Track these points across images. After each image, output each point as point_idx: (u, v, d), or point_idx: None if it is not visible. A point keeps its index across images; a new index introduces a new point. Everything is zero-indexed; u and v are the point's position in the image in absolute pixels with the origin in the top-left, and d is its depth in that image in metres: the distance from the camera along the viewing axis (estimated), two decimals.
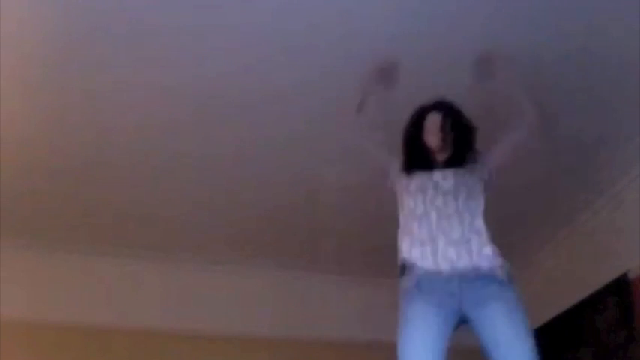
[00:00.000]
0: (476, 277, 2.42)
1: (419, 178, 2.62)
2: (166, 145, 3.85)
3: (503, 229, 4.40)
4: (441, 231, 2.48)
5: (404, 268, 2.51)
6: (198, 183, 4.18)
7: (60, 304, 4.71)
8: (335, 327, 5.00)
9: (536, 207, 4.36)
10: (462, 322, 2.44)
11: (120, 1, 2.94)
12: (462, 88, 3.29)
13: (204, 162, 4.00)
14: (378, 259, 4.73)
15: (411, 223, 2.56)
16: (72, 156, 3.91)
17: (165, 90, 3.45)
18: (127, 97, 3.49)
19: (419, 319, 2.39)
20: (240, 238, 4.78)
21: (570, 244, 4.44)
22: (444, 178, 2.59)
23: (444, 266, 2.43)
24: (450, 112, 2.70)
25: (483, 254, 2.47)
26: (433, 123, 2.66)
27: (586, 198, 4.20)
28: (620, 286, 3.91)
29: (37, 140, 3.78)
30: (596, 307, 4.10)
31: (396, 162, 2.75)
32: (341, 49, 3.21)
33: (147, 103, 3.53)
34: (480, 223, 2.54)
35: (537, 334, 4.80)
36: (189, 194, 4.28)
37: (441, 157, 2.65)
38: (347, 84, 3.35)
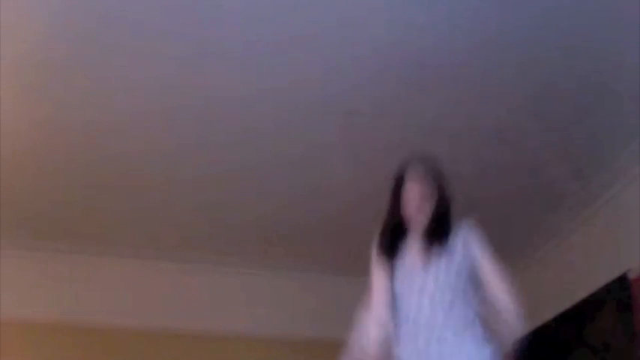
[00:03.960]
0: None
1: (400, 276, 2.55)
2: (167, 146, 3.85)
3: (503, 229, 4.45)
4: (429, 333, 2.43)
5: None
6: (199, 184, 4.18)
7: (60, 304, 4.71)
8: (335, 327, 5.00)
9: (536, 207, 4.36)
10: None
11: (124, 9, 2.95)
12: (464, 82, 3.31)
13: (205, 162, 4.00)
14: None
15: (398, 325, 2.52)
16: (72, 156, 3.91)
17: (167, 88, 3.45)
18: (128, 97, 3.50)
19: None
20: (240, 239, 4.78)
21: (570, 244, 4.44)
22: (425, 278, 2.48)
23: None
24: (428, 170, 2.61)
25: (474, 350, 2.44)
26: (410, 191, 2.57)
27: (586, 198, 4.20)
28: (620, 286, 3.91)
29: (37, 140, 3.78)
30: (596, 307, 4.10)
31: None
32: (357, 70, 3.26)
33: (149, 102, 3.53)
34: (468, 315, 2.46)
35: (537, 334, 4.83)
36: (190, 195, 4.28)
37: (418, 223, 2.56)
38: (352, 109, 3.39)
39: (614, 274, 3.95)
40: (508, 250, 4.63)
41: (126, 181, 4.14)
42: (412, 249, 2.56)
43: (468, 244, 2.55)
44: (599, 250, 4.17)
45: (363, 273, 5.01)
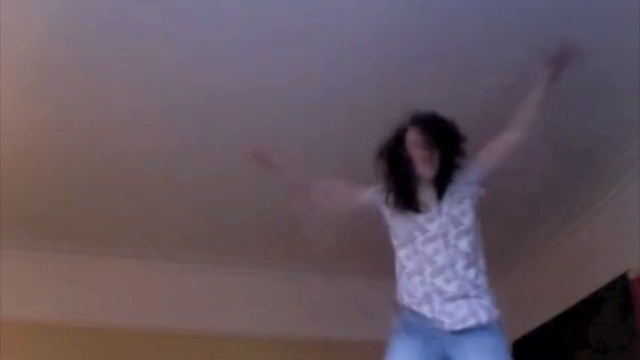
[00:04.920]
0: (468, 329, 2.45)
1: (404, 222, 2.58)
2: (167, 146, 3.85)
3: (503, 229, 4.45)
4: (436, 289, 2.48)
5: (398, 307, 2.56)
6: (199, 184, 4.18)
7: (60, 304, 4.71)
8: (336, 327, 5.00)
9: (537, 207, 4.36)
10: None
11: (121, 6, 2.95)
12: (469, 76, 3.29)
13: (205, 162, 4.00)
14: (377, 260, 4.74)
15: (405, 280, 2.56)
16: (72, 156, 3.91)
17: (166, 87, 3.44)
18: (128, 97, 3.50)
19: (404, 348, 2.49)
20: (240, 239, 4.78)
21: (570, 244, 4.44)
22: (430, 221, 2.54)
23: (442, 319, 2.46)
24: (431, 125, 2.61)
25: (481, 309, 2.47)
26: (416, 138, 2.59)
27: (586, 198, 4.19)
28: (620, 286, 3.91)
29: (37, 140, 3.78)
30: (596, 307, 4.09)
31: (371, 191, 2.74)
32: (358, 61, 3.25)
33: (149, 101, 3.53)
34: (474, 271, 2.51)
35: (537, 334, 4.82)
36: (190, 195, 4.28)
37: (426, 173, 2.59)
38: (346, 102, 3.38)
39: (614, 274, 3.94)
40: (508, 249, 4.65)
41: (126, 181, 4.14)
42: (420, 197, 2.58)
43: (470, 177, 2.62)
44: (599, 250, 4.16)
45: (363, 273, 5.05)
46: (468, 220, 2.56)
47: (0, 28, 3.00)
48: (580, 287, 4.23)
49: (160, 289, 4.93)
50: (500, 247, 4.55)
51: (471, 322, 2.43)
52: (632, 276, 3.83)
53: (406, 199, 2.59)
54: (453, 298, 2.45)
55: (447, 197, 2.56)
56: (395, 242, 2.63)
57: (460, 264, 2.49)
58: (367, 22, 3.07)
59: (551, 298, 4.54)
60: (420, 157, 2.57)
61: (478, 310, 2.45)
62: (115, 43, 3.14)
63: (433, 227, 2.53)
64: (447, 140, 2.60)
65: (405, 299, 2.55)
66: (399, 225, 2.61)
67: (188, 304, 4.93)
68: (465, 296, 2.46)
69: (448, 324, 2.44)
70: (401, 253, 2.59)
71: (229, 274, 5.03)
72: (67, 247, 4.77)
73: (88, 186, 4.17)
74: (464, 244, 2.52)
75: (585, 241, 4.30)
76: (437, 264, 2.49)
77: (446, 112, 3.60)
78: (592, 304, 4.14)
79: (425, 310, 2.47)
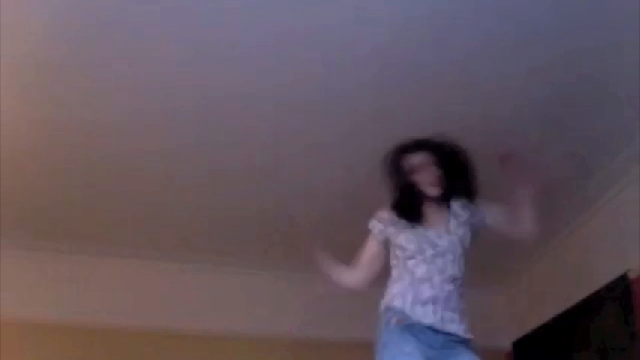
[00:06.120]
0: (456, 340, 2.64)
1: (413, 235, 2.72)
2: (167, 146, 3.85)
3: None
4: (442, 297, 2.64)
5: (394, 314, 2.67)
6: (199, 184, 4.18)
7: (60, 304, 4.71)
8: (336, 327, 5.00)
9: (536, 207, 4.35)
10: None
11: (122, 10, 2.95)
12: (473, 75, 3.30)
13: (205, 162, 4.00)
14: None
15: (413, 283, 2.68)
16: (72, 156, 3.91)
17: (166, 87, 3.44)
18: (128, 97, 3.49)
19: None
20: (240, 239, 4.78)
21: (570, 244, 4.44)
22: (440, 237, 2.71)
23: (441, 326, 2.62)
24: (431, 149, 2.78)
25: (466, 324, 2.69)
26: (417, 163, 2.75)
27: (586, 198, 4.19)
28: (620, 286, 3.91)
29: (37, 140, 3.78)
30: (596, 307, 4.09)
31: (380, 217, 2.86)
32: (358, 67, 3.26)
33: (149, 102, 3.53)
34: (464, 290, 2.73)
35: (537, 334, 4.82)
36: (190, 195, 4.28)
37: (432, 192, 2.74)
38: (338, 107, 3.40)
39: (614, 274, 3.94)
40: (508, 249, 4.65)
41: (126, 181, 4.14)
42: (427, 214, 2.75)
43: (474, 215, 2.80)
44: (599, 250, 4.16)
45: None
46: (466, 244, 2.76)
47: (0, 28, 3.00)
48: (580, 287, 4.23)
49: (160, 289, 4.93)
50: (501, 248, 4.55)
51: (467, 336, 2.64)
52: (632, 276, 3.82)
53: (413, 212, 2.75)
54: (452, 310, 2.64)
55: (453, 218, 2.75)
56: (400, 254, 2.75)
57: (459, 282, 2.70)
58: (368, 32, 3.07)
59: (551, 299, 4.54)
60: (426, 179, 2.73)
61: (467, 329, 2.66)
62: (115, 43, 3.14)
63: (443, 243, 2.70)
64: (448, 160, 2.77)
65: (407, 299, 2.66)
66: (407, 238, 2.73)
67: (188, 304, 4.93)
68: (457, 311, 2.66)
69: (449, 327, 2.61)
70: (409, 262, 2.72)
71: (229, 274, 5.03)
72: (67, 247, 4.78)
73: (88, 186, 4.17)
74: (461, 265, 2.72)
75: (585, 241, 4.30)
76: (446, 274, 2.66)
77: (444, 121, 3.62)
78: (592, 304, 4.14)
79: (428, 310, 2.61)
